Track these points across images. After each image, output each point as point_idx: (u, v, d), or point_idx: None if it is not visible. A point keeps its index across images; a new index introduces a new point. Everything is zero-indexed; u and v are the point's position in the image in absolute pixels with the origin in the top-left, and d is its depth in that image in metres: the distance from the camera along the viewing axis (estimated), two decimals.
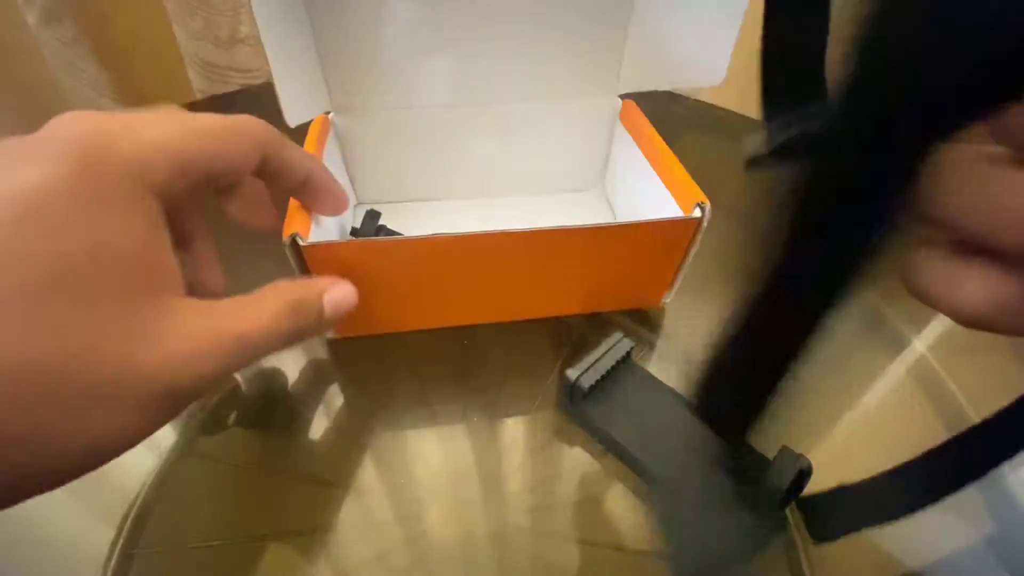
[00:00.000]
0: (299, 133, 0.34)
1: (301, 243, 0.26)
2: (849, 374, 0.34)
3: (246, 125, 0.21)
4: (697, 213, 0.31)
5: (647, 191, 0.37)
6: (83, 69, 0.57)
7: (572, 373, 0.28)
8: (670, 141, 0.39)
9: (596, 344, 0.30)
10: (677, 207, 0.33)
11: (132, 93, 0.61)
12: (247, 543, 0.26)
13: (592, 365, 0.28)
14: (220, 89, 0.61)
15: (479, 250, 0.30)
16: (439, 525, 0.27)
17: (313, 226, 0.28)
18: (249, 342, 0.19)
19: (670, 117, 0.61)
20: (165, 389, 0.16)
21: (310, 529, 0.27)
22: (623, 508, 0.28)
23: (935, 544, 0.28)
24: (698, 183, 0.33)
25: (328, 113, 0.38)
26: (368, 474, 0.29)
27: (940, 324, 0.36)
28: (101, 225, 0.16)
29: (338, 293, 0.24)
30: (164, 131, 0.18)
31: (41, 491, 0.15)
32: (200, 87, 0.61)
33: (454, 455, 0.29)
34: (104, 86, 0.59)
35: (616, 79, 0.40)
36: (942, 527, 0.29)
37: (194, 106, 0.60)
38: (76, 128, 0.16)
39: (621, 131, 0.42)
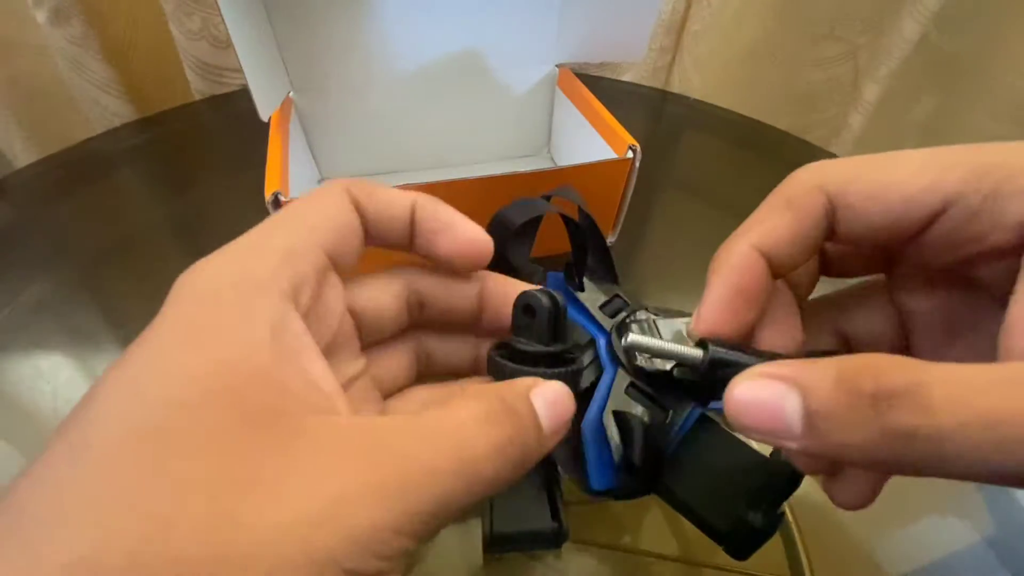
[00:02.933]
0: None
1: (284, 200, 0.28)
2: None
3: (326, 185, 0.17)
4: (629, 154, 0.35)
5: (587, 147, 0.41)
6: (91, 68, 0.57)
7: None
8: (670, 141, 0.39)
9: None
10: (612, 152, 0.37)
11: (135, 92, 0.61)
12: None
13: (587, 365, 0.28)
14: (218, 89, 0.61)
15: (439, 195, 0.32)
16: None
17: (292, 183, 0.31)
18: (435, 495, 0.12)
19: (670, 117, 0.61)
20: (307, 559, 0.11)
21: None
22: (623, 507, 0.28)
23: (935, 544, 0.28)
24: (697, 182, 0.34)
25: (290, 93, 0.41)
26: None
27: None
28: (208, 341, 0.12)
29: (549, 392, 0.16)
30: (250, 240, 0.15)
31: None
32: (198, 88, 0.61)
33: None
34: (111, 84, 0.59)
35: (552, 51, 0.45)
36: (942, 527, 0.29)
37: (192, 106, 0.60)
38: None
39: (560, 97, 0.46)
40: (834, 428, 0.11)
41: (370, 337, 0.19)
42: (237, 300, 0.13)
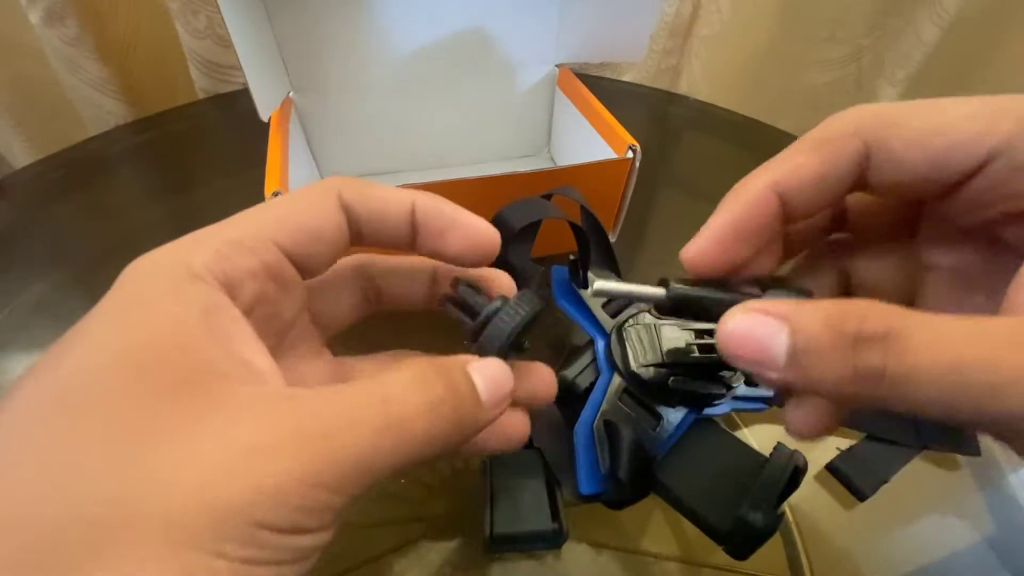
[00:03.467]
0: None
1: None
2: None
3: (317, 184, 0.17)
4: (629, 154, 0.35)
5: (587, 147, 0.41)
6: (85, 68, 0.57)
7: (566, 375, 0.28)
8: (670, 141, 0.39)
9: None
10: (612, 152, 0.37)
11: (134, 92, 0.61)
12: None
13: (586, 367, 0.28)
14: (222, 88, 0.61)
15: (440, 195, 0.33)
16: (439, 525, 0.27)
17: (292, 183, 0.31)
18: (360, 443, 0.12)
19: (670, 117, 0.61)
20: (208, 508, 0.11)
21: None
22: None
23: (935, 544, 0.28)
24: (697, 182, 0.34)
25: (290, 93, 0.41)
26: None
27: None
28: (135, 320, 0.13)
29: (487, 368, 0.15)
30: (202, 230, 0.15)
31: None
32: (203, 86, 0.61)
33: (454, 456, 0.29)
34: (107, 84, 0.59)
35: (552, 52, 0.45)
36: (942, 527, 0.29)
37: (193, 106, 0.60)
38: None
39: (560, 97, 0.46)
40: (814, 364, 0.12)
41: (329, 334, 0.20)
42: (169, 285, 0.13)
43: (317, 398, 0.13)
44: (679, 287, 0.17)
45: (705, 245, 0.16)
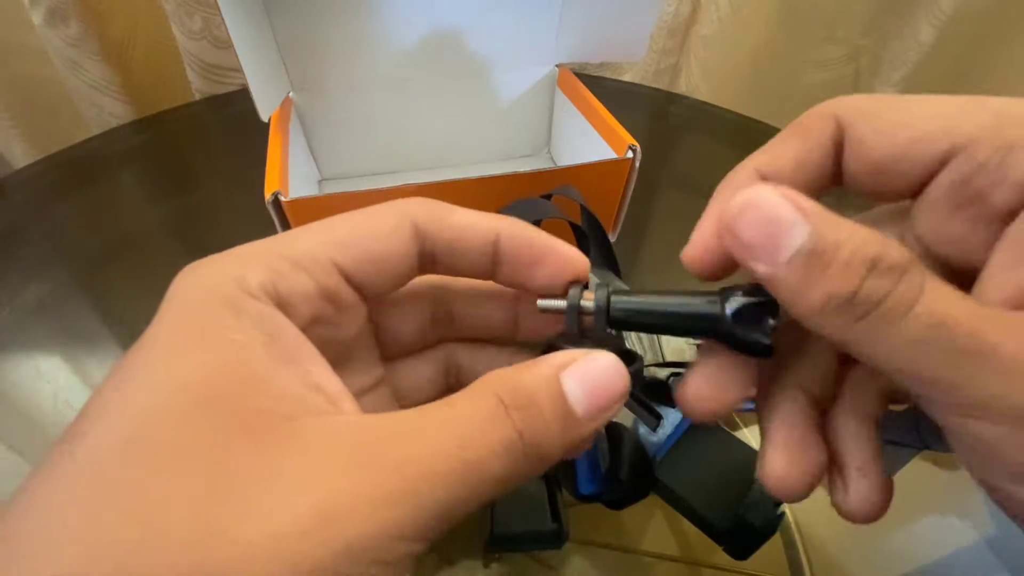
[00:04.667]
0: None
1: (283, 199, 0.28)
2: None
3: (390, 204, 0.16)
4: (629, 154, 0.35)
5: (587, 147, 0.40)
6: (87, 69, 0.57)
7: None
8: (670, 141, 0.39)
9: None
10: (612, 152, 0.36)
11: (133, 93, 0.61)
12: None
13: None
14: (219, 89, 0.61)
15: (440, 194, 0.32)
16: None
17: (292, 183, 0.31)
18: (432, 498, 0.12)
19: (670, 117, 0.61)
20: (293, 570, 0.10)
21: None
22: None
23: (935, 544, 0.28)
24: (697, 182, 0.34)
25: (289, 93, 0.40)
26: None
27: None
28: (196, 346, 0.12)
29: (586, 370, 0.13)
30: (259, 244, 0.14)
31: None
32: (199, 87, 0.61)
33: None
34: (108, 85, 0.59)
35: (552, 51, 0.45)
36: (942, 527, 0.29)
37: (192, 106, 0.60)
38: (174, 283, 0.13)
39: (560, 97, 0.45)
40: (817, 272, 0.12)
41: (392, 351, 0.18)
42: (227, 308, 0.13)
43: (390, 438, 0.12)
44: (618, 300, 0.16)
45: (702, 243, 0.15)
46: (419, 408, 0.13)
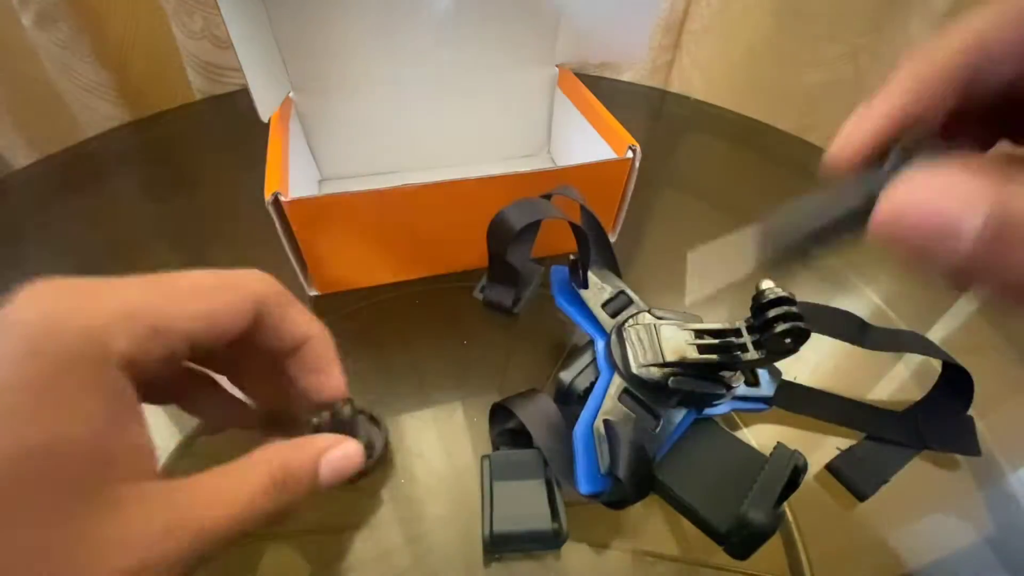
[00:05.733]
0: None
1: (284, 200, 0.29)
2: (853, 379, 0.34)
3: (242, 280, 0.19)
4: (629, 154, 0.35)
5: (587, 147, 0.40)
6: (78, 71, 0.57)
7: (566, 376, 0.28)
8: (670, 141, 0.39)
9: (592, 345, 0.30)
10: (612, 152, 0.36)
11: (131, 94, 0.61)
12: (247, 543, 0.26)
13: (586, 367, 0.28)
14: (219, 89, 0.61)
15: (441, 194, 0.33)
16: (439, 525, 0.27)
17: (292, 183, 0.32)
18: (211, 534, 0.16)
19: (670, 117, 0.61)
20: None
21: (310, 529, 0.27)
22: None
23: (935, 544, 0.28)
24: (697, 182, 0.34)
25: (289, 92, 0.41)
26: (369, 476, 0.29)
27: (943, 327, 0.36)
28: (51, 415, 0.14)
29: (338, 456, 0.19)
30: (131, 295, 0.16)
31: None
32: (199, 87, 0.61)
33: (454, 455, 0.29)
34: (100, 87, 0.59)
35: (552, 52, 0.45)
36: (942, 527, 0.29)
37: (192, 106, 0.60)
38: (32, 309, 0.15)
39: (560, 97, 0.45)
40: (1009, 255, 0.10)
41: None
42: (86, 373, 0.15)
43: (191, 508, 0.16)
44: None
45: (858, 136, 0.14)
46: (210, 476, 0.17)
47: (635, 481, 0.23)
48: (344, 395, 0.21)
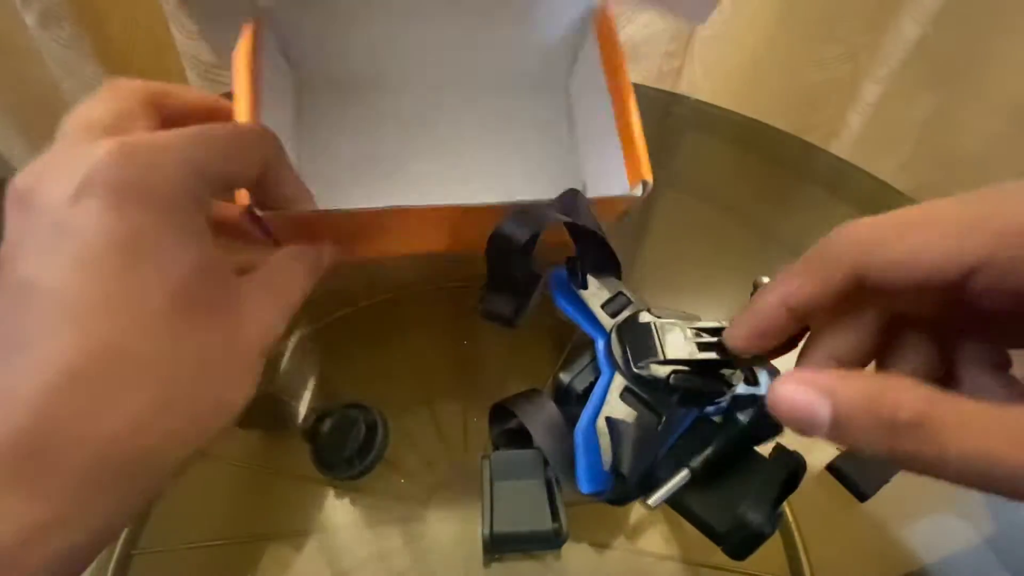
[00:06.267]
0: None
1: (260, 214, 0.26)
2: None
3: (257, 139, 0.22)
4: (638, 192, 0.32)
5: (603, 140, 0.35)
6: (81, 70, 0.57)
7: (565, 376, 0.28)
8: (671, 141, 0.39)
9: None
10: (624, 172, 0.33)
11: None
12: (247, 543, 0.26)
13: (585, 367, 0.28)
14: (218, 89, 0.61)
15: (422, 218, 0.30)
16: (439, 526, 0.27)
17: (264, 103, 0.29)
18: (296, 306, 0.23)
19: (670, 117, 0.61)
20: (258, 357, 0.20)
21: (310, 529, 0.27)
22: (623, 506, 0.28)
23: (935, 544, 0.28)
24: (696, 181, 0.33)
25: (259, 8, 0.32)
26: (369, 475, 0.29)
27: None
28: (180, 247, 0.18)
29: (325, 254, 0.26)
30: (183, 147, 0.18)
31: (216, 424, 0.19)
32: (198, 87, 0.61)
33: (454, 455, 0.29)
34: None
35: None
36: (942, 527, 0.29)
37: None
38: (112, 174, 0.17)
39: (592, 44, 0.37)
40: (854, 434, 0.14)
41: None
42: (177, 211, 0.18)
43: (276, 280, 0.23)
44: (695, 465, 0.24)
45: (742, 335, 0.21)
46: (274, 267, 0.24)
47: (638, 478, 0.23)
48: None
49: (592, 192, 0.36)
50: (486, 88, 0.41)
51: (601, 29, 0.36)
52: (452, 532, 0.27)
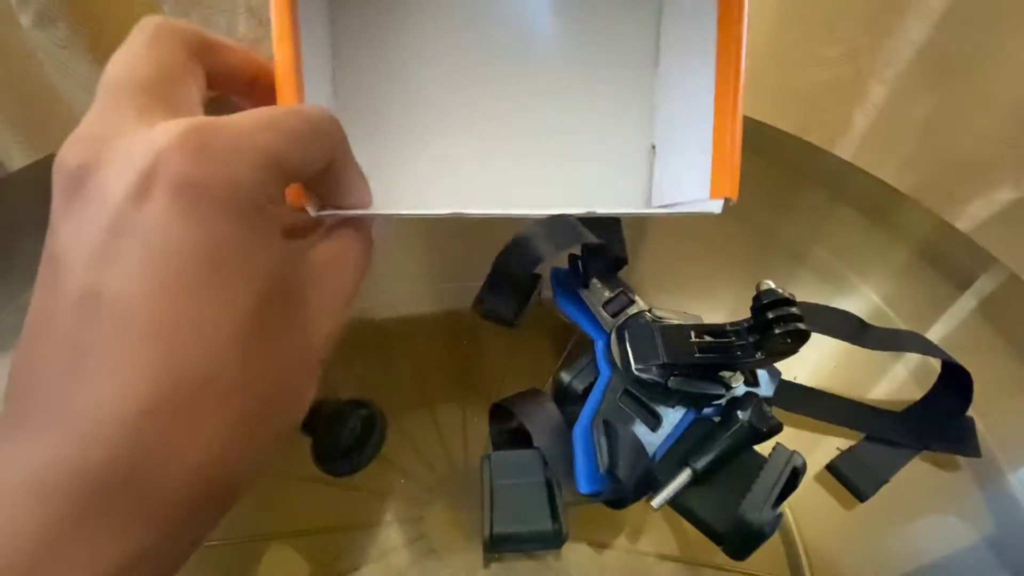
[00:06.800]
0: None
1: (318, 213, 0.23)
2: (853, 379, 0.34)
3: (327, 127, 0.19)
4: (715, 208, 0.26)
5: (694, 123, 0.28)
6: (77, 71, 0.56)
7: (565, 376, 0.28)
8: None
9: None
10: (708, 183, 0.26)
11: None
12: (247, 543, 0.26)
13: (586, 367, 0.28)
14: None
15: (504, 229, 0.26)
16: (439, 525, 0.27)
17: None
18: (356, 293, 0.21)
19: None
20: (324, 352, 0.19)
21: (310, 529, 0.27)
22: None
23: (935, 544, 0.28)
24: None
25: None
26: (368, 475, 0.29)
27: (940, 323, 0.36)
28: (262, 253, 0.16)
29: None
30: (258, 137, 0.16)
31: (285, 436, 0.19)
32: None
33: (454, 455, 0.29)
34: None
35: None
36: (942, 527, 0.29)
37: None
38: (173, 169, 0.14)
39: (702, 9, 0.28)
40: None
41: None
42: (247, 213, 0.16)
43: (334, 270, 0.21)
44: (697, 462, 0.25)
45: None
46: (329, 249, 0.21)
47: (634, 480, 0.23)
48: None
49: (663, 192, 0.29)
50: (554, 68, 0.32)
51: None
52: (452, 532, 0.27)
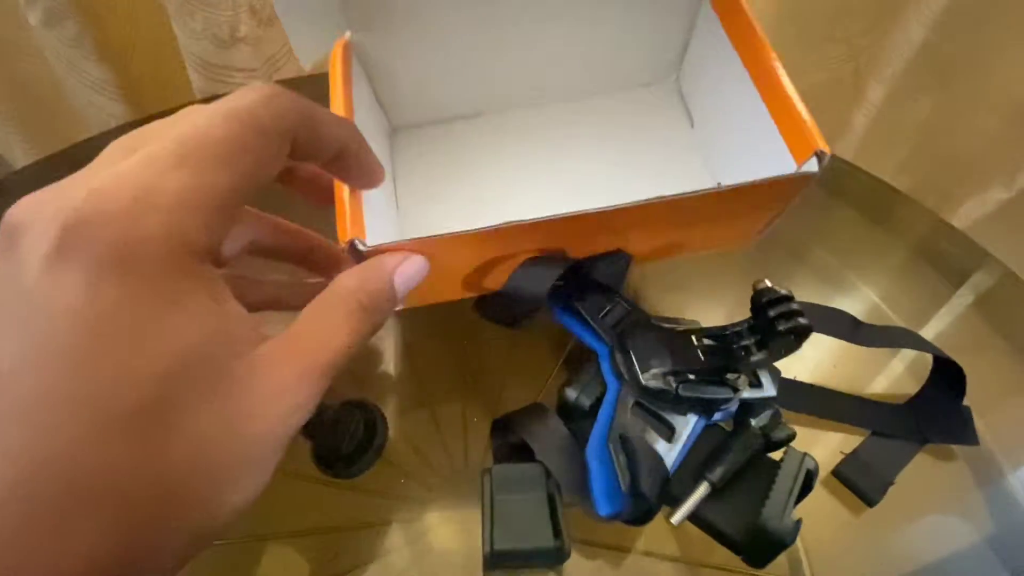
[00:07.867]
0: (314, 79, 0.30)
1: (362, 248, 0.22)
2: (852, 376, 0.34)
3: (269, 116, 0.16)
4: (812, 166, 0.24)
5: (738, 101, 0.29)
6: (85, 69, 0.57)
7: (571, 392, 0.27)
8: None
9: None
10: (785, 147, 0.26)
11: (133, 93, 0.61)
12: (247, 543, 0.26)
13: (591, 380, 0.27)
14: (220, 89, 0.61)
15: (548, 230, 0.25)
16: (439, 526, 0.27)
17: (367, 220, 0.24)
18: (335, 366, 0.18)
19: None
20: (275, 444, 0.16)
21: (310, 529, 0.27)
22: None
23: (935, 544, 0.28)
24: None
25: (347, 34, 0.30)
26: (369, 475, 0.29)
27: (939, 322, 0.36)
28: (170, 323, 0.14)
29: (409, 269, 0.21)
30: (185, 180, 0.15)
31: (205, 544, 0.16)
32: (200, 87, 0.61)
33: (454, 455, 0.29)
34: (105, 86, 0.59)
35: None
36: (942, 527, 0.29)
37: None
38: (91, 232, 0.13)
39: (708, 13, 0.32)
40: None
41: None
42: (188, 273, 0.15)
43: (306, 344, 0.18)
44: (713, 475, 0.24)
45: None
46: (306, 321, 0.18)
47: (658, 495, 0.23)
48: (382, 180, 0.23)
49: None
50: (581, 90, 0.37)
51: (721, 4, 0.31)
52: (452, 532, 0.27)
